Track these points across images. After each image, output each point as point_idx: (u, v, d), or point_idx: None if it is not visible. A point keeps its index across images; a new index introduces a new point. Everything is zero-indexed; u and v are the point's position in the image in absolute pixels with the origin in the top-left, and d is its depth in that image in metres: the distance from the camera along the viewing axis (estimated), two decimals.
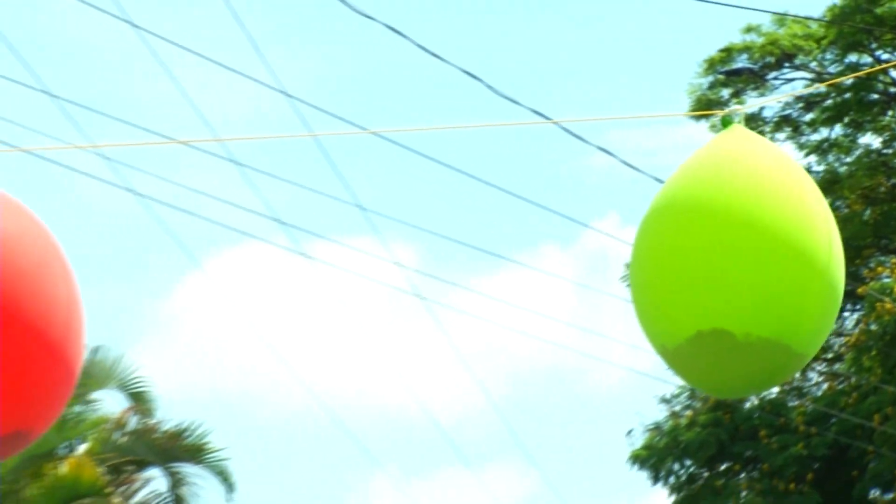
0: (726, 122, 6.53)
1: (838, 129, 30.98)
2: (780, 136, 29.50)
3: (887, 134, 31.36)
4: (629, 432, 30.01)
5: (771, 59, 29.93)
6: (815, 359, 26.92)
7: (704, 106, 28.14)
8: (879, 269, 28.24)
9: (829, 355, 29.05)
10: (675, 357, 5.94)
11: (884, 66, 28.87)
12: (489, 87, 14.47)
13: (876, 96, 30.62)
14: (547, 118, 18.91)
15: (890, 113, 31.28)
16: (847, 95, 30.28)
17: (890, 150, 31.37)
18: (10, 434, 5.56)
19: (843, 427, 27.53)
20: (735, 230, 5.75)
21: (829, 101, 30.51)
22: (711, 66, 29.83)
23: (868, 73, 29.28)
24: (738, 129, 6.28)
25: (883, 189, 30.61)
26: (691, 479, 30.07)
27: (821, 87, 29.77)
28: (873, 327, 27.23)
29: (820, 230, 5.88)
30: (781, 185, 5.88)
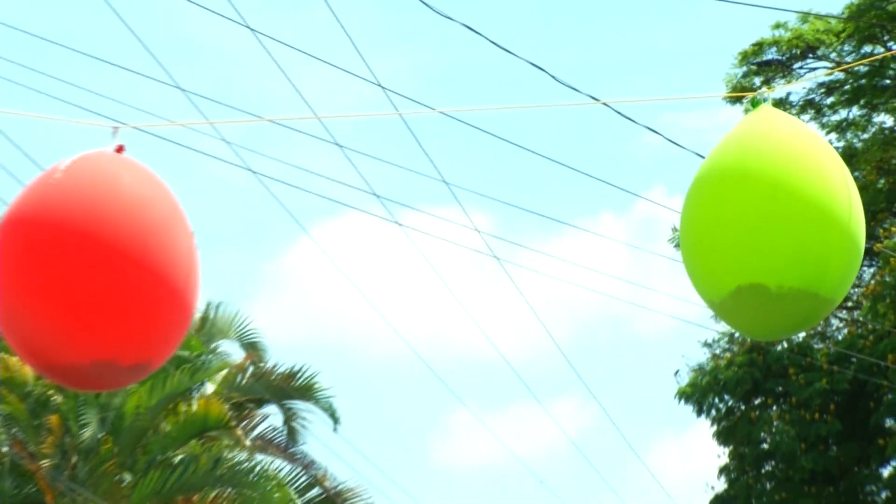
0: (756, 103, 6.79)
1: (855, 111, 31.16)
2: (805, 117, 29.57)
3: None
4: (676, 372, 30.39)
5: (797, 51, 30.06)
6: (837, 307, 27.33)
7: (738, 91, 28.31)
8: (893, 229, 28.26)
9: (849, 304, 29.27)
10: (721, 308, 6.24)
11: (894, 52, 29.09)
12: (553, 77, 14.92)
13: (888, 81, 30.62)
14: (598, 100, 19.64)
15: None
16: (862, 81, 30.37)
17: None
18: (136, 364, 5.97)
19: (861, 366, 27.54)
20: (766, 195, 6.00)
21: (847, 87, 30.60)
22: (745, 58, 30.08)
23: (881, 61, 29.47)
24: (767, 109, 6.57)
25: (895, 161, 30.67)
26: (730, 411, 30.35)
27: (839, 74, 29.95)
28: (887, 279, 27.34)
29: (841, 194, 6.08)
30: (805, 155, 6.15)
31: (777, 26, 30.01)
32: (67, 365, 5.72)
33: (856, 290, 28.15)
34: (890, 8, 28.40)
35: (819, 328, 29.74)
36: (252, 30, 13.87)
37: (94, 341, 5.59)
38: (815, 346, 28.95)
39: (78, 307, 5.49)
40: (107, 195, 5.68)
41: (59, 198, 5.64)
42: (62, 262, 5.50)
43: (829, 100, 31.17)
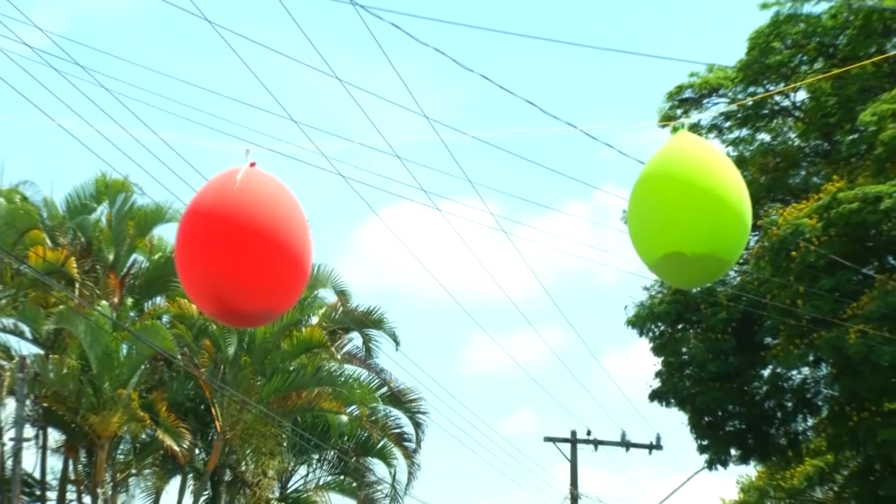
0: (676, 129, 7.36)
1: (744, 131, 30.84)
2: (710, 136, 29.46)
3: (774, 133, 31.31)
4: (625, 307, 30.54)
5: (705, 91, 29.88)
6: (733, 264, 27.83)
7: (666, 119, 28.40)
8: (770, 210, 28.00)
9: (741, 261, 29.00)
10: (654, 267, 6.55)
11: (770, 93, 29.29)
12: (542, 109, 15.42)
13: (766, 111, 30.48)
14: (575, 126, 20.35)
15: (775, 121, 31.14)
16: (749, 111, 30.09)
17: (775, 142, 31.12)
18: (267, 310, 6.17)
19: (750, 302, 27.44)
20: (684, 189, 6.25)
21: (739, 115, 30.26)
22: (670, 96, 29.84)
23: (762, 98, 29.62)
24: (684, 132, 6.76)
25: (771, 165, 30.16)
26: (661, 333, 30.09)
27: (734, 107, 29.67)
28: (766, 244, 26.94)
29: (734, 187, 6.35)
30: (710, 162, 6.44)
31: (692, 74, 29.74)
32: (241, 311, 5.96)
33: (745, 252, 27.65)
34: (768, 62, 28.15)
35: (721, 277, 29.08)
36: (339, 79, 14.25)
37: (256, 296, 5.87)
38: (718, 289, 28.44)
39: (245, 274, 5.76)
40: (255, 194, 5.90)
41: (224, 194, 5.91)
42: (251, 245, 5.75)
43: (727, 124, 30.72)
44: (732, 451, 30.44)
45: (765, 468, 34.90)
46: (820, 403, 29.96)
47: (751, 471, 35.57)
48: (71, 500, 23.77)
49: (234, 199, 5.86)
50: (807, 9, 29.02)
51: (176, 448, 22.90)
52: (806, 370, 29.48)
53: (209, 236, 5.88)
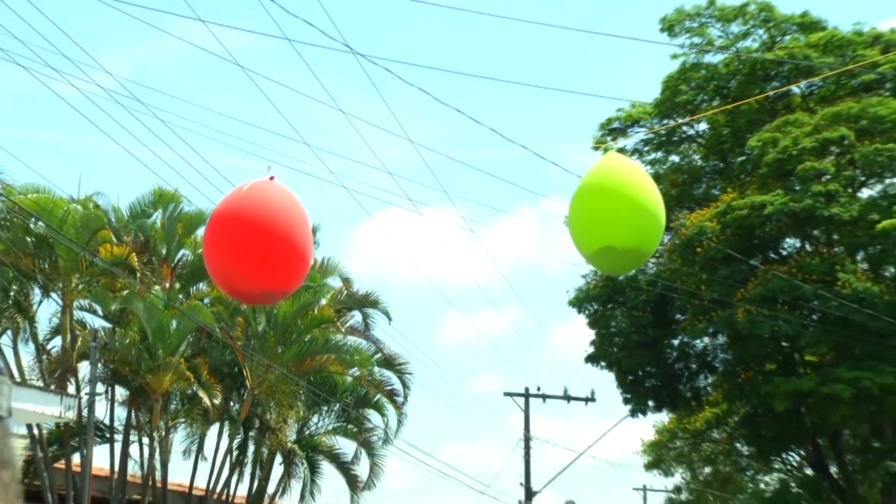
0: (606, 150, 7.05)
1: (660, 154, 30.88)
2: (634, 157, 29.70)
3: (682, 155, 31.17)
4: (567, 291, 30.56)
5: (629, 122, 29.79)
6: (651, 255, 27.96)
7: (599, 143, 28.51)
8: (679, 215, 27.84)
9: (657, 254, 29.10)
10: (590, 259, 6.71)
11: (678, 124, 29.21)
12: (509, 139, 15.63)
13: (676, 138, 30.47)
14: (526, 147, 20.24)
15: (683, 146, 31.07)
16: (663, 138, 30.17)
17: (683, 162, 31.07)
18: (273, 292, 5.98)
19: (664, 287, 27.41)
20: (613, 197, 6.21)
21: (655, 141, 30.41)
22: (602, 126, 29.55)
23: (673, 128, 29.83)
24: (612, 153, 6.87)
25: (680, 180, 30.19)
26: (595, 312, 30.13)
27: (651, 135, 29.71)
28: (676, 241, 27.12)
29: (652, 196, 6.30)
30: (632, 176, 6.47)
31: (619, 110, 29.64)
32: (247, 292, 5.87)
33: (660, 247, 27.53)
34: (677, 100, 28.22)
35: (642, 266, 29.33)
36: (343, 111, 14.44)
37: (263, 280, 5.67)
38: (640, 277, 28.34)
39: (256, 263, 5.56)
40: (270, 203, 5.70)
41: (242, 201, 5.71)
42: (248, 238, 5.58)
43: (646, 148, 30.62)
44: (650, 403, 30.57)
45: (674, 415, 34.76)
46: (717, 365, 30.14)
47: (664, 417, 35.72)
48: (133, 442, 23.81)
49: (238, 201, 5.72)
50: (707, 59, 29.39)
51: (208, 403, 22.94)
52: (707, 340, 29.60)
53: (215, 231, 5.82)
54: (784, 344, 27.03)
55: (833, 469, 29.67)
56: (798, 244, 28.02)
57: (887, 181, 26.55)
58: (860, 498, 28.20)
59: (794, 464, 33.13)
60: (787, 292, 24.79)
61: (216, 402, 23.17)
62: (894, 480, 27.12)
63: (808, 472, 31.29)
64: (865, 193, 26.51)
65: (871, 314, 23.12)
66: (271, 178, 5.78)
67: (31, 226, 21.27)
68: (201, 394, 22.88)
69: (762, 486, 36.09)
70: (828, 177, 25.10)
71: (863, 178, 26.52)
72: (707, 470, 38.95)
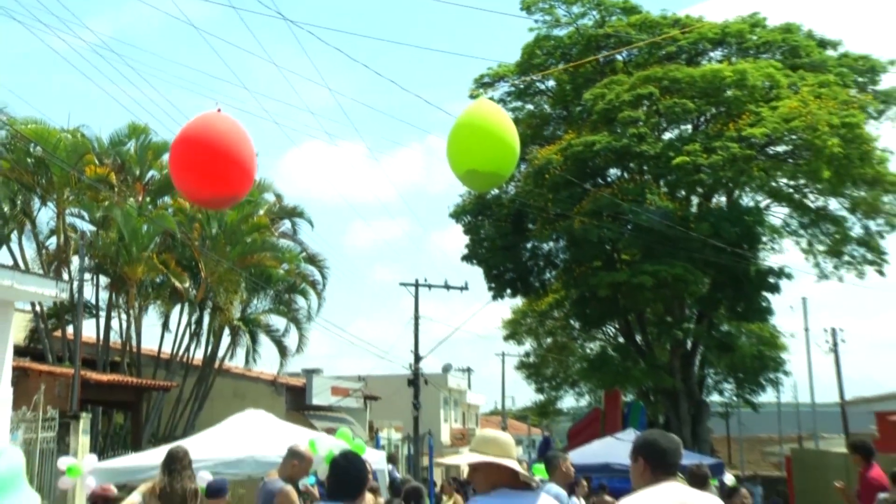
0: (477, 97, 7.28)
1: (519, 103, 30.67)
2: (500, 104, 30.19)
3: (536, 105, 31.09)
4: (448, 206, 30.97)
5: (497, 78, 29.47)
6: (511, 179, 26.45)
7: (473, 93, 27.70)
8: (532, 150, 27.63)
9: (517, 179, 28.13)
10: (461, 178, 6.04)
11: (534, 80, 28.82)
12: (393, 82, 16.13)
13: (531, 92, 30.47)
14: (419, 96, 20.58)
15: (536, 98, 30.91)
16: (521, 91, 30.14)
17: (536, 110, 30.91)
18: (229, 196, 5.44)
19: (520, 203, 27.45)
20: (476, 129, 5.87)
21: (514, 91, 30.13)
22: (476, 81, 29.00)
23: (531, 81, 29.12)
24: (482, 99, 6.37)
25: (534, 123, 29.86)
26: (469, 222, 29.96)
27: (512, 87, 29.73)
28: (531, 169, 26.96)
29: (511, 131, 5.91)
30: (494, 114, 6.04)
31: (489, 68, 29.51)
32: (208, 199, 5.44)
33: (518, 173, 27.65)
34: (533, 62, 28.38)
35: (503, 187, 28.62)
36: (276, 65, 14.54)
37: (218, 188, 5.30)
38: (503, 196, 28.92)
39: (214, 175, 5.22)
40: (220, 125, 5.30)
41: (199, 127, 5.28)
42: (205, 156, 5.18)
43: (509, 98, 30.57)
44: (508, 291, 30.73)
45: (526, 300, 34.63)
46: (558, 263, 30.40)
47: (518, 302, 35.99)
48: (113, 318, 24.03)
49: (195, 126, 5.30)
50: (556, 32, 30.08)
51: (179, 286, 23.34)
52: (551, 244, 29.98)
53: (178, 151, 5.37)
54: (607, 247, 27.49)
55: (638, 337, 30.50)
56: (619, 173, 28.73)
57: (682, 127, 27.97)
58: (655, 356, 29.65)
59: (611, 334, 33.94)
60: (610, 208, 25.33)
61: (185, 285, 23.58)
62: (678, 344, 29.12)
63: (621, 340, 31.86)
64: (667, 136, 27.38)
65: (669, 224, 24.15)
66: (218, 110, 5.43)
67: (31, 150, 21.18)
68: (173, 279, 23.17)
69: (588, 350, 36.62)
70: (640, 123, 25.89)
71: (665, 125, 27.43)
72: (549, 340, 39.40)
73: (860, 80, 27.64)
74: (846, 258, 28.18)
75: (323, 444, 8.91)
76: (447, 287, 33.25)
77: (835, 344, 36.19)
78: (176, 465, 7.17)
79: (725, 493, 8.08)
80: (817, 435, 37.01)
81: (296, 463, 6.43)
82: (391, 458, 16.41)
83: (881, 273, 27.42)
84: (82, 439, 15.73)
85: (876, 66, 27.68)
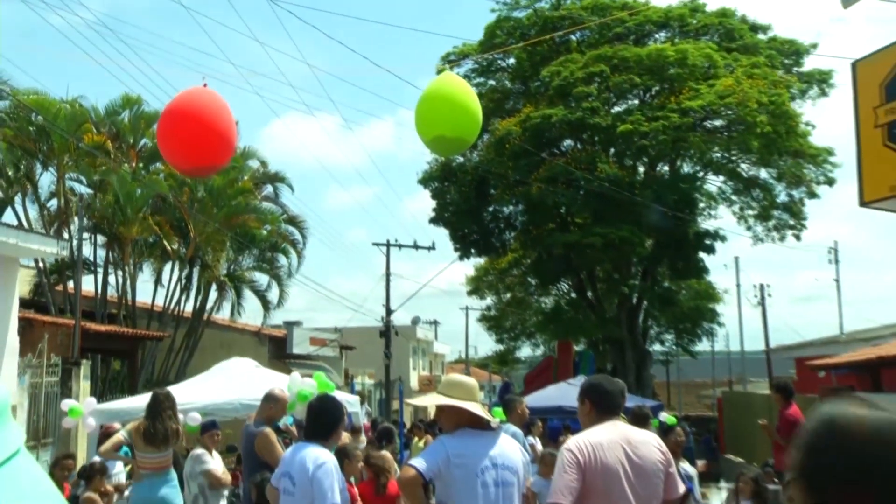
0: (442, 71, 6.98)
1: (482, 79, 30.17)
2: (465, 79, 29.98)
3: (497, 80, 30.51)
4: (416, 172, 30.91)
5: (462, 56, 29.05)
6: (474, 147, 27.00)
7: (440, 69, 28.30)
8: (494, 122, 27.19)
9: (480, 148, 27.74)
10: (428, 145, 5.83)
11: (495, 56, 28.83)
12: (370, 60, 15.84)
13: (493, 69, 30.15)
14: (390, 71, 20.48)
15: (497, 74, 30.40)
16: (484, 68, 29.85)
17: (498, 85, 30.31)
18: (210, 166, 5.32)
19: (483, 170, 27.24)
20: (442, 99, 5.70)
21: (477, 68, 29.87)
22: (443, 58, 28.62)
23: (492, 57, 28.78)
24: (447, 72, 6.28)
25: (496, 97, 29.27)
26: (437, 187, 29.93)
27: (476, 64, 29.47)
28: (493, 140, 26.60)
29: (474, 102, 5.80)
30: (458, 87, 5.89)
31: (455, 46, 29.32)
32: (193, 168, 5.27)
33: (481, 142, 27.26)
34: (494, 41, 28.00)
35: (467, 153, 28.36)
36: (259, 42, 14.49)
37: (201, 157, 5.15)
38: (467, 163, 28.74)
39: (199, 146, 5.08)
40: (202, 100, 5.16)
41: (184, 101, 5.16)
42: (190, 127, 5.05)
43: (473, 74, 30.13)
44: (472, 251, 30.64)
45: (488, 259, 34.50)
46: (517, 225, 30.27)
47: (481, 260, 35.83)
48: (110, 273, 23.82)
49: (182, 100, 5.17)
50: (515, 14, 29.86)
51: (169, 247, 23.16)
52: (511, 207, 29.84)
53: (166, 123, 5.26)
54: (561, 210, 27.52)
55: (589, 293, 30.69)
56: (572, 143, 28.69)
57: (629, 102, 28.07)
58: (604, 310, 30.10)
59: (565, 290, 34.01)
60: (564, 175, 25.29)
61: (174, 247, 23.45)
62: (625, 298, 29.50)
63: (573, 295, 32.06)
64: (616, 110, 27.46)
65: (616, 190, 24.21)
66: (204, 85, 5.33)
67: (33, 119, 20.82)
68: (165, 242, 23.02)
69: (543, 305, 36.41)
70: (592, 98, 25.97)
71: (614, 99, 27.49)
72: (508, 295, 39.24)
73: (787, 62, 28.00)
74: (773, 222, 28.84)
75: (295, 384, 9.17)
76: (416, 247, 33.45)
77: (762, 298, 36.84)
78: (159, 407, 7.26)
79: (663, 430, 8.29)
80: (745, 379, 37.79)
81: (271, 406, 6.49)
82: (362, 400, 16.63)
83: (798, 238, 28.25)
84: (83, 384, 15.76)
85: (800, 50, 28.24)
